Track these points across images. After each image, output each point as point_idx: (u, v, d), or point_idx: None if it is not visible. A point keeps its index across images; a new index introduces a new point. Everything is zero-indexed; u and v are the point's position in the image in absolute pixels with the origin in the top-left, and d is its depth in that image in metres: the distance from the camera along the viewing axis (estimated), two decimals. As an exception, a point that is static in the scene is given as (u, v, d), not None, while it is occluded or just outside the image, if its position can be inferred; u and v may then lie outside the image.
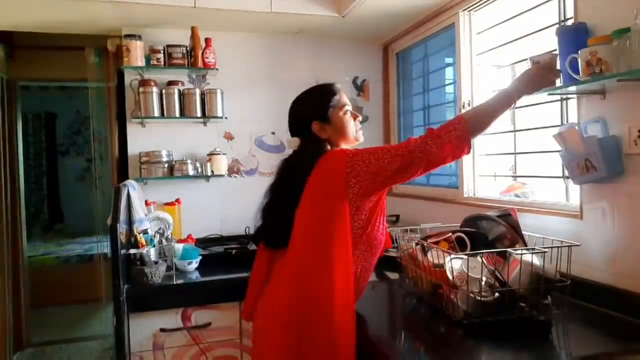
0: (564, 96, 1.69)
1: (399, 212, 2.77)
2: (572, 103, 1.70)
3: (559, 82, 1.50)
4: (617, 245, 1.48)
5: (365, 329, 1.48)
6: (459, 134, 1.34)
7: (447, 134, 1.34)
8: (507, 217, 1.64)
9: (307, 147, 1.52)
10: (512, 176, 2.15)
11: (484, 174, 2.28)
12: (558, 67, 1.47)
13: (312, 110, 1.54)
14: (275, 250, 1.55)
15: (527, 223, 1.77)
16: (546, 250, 1.42)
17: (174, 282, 2.16)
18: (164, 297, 2.10)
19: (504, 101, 1.39)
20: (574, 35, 1.51)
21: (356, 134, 1.58)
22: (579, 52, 1.39)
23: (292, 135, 1.60)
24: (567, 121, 1.74)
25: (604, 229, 1.52)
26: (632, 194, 1.43)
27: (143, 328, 2.05)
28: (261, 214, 1.57)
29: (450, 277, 1.43)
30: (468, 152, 1.38)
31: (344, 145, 1.54)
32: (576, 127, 1.55)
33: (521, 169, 2.12)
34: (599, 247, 1.54)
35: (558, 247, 1.46)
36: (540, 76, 1.42)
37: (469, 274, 1.41)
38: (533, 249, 1.46)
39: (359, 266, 1.45)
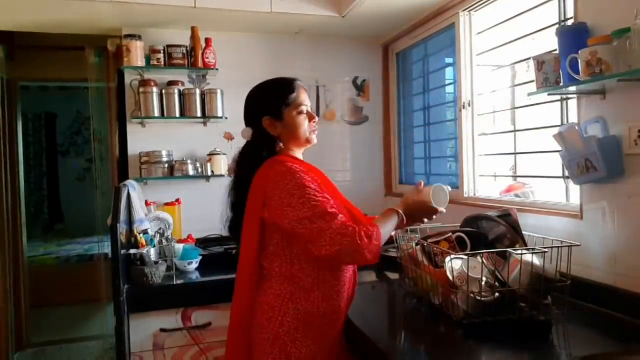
0: (564, 96, 1.69)
1: (399, 212, 2.77)
2: (572, 103, 1.69)
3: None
4: (617, 245, 1.48)
5: (365, 328, 1.48)
6: (373, 252, 1.33)
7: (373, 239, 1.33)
8: (507, 217, 1.64)
9: (256, 143, 1.49)
10: (512, 176, 2.15)
11: (484, 174, 2.28)
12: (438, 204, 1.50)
13: (265, 104, 1.50)
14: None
15: (527, 223, 1.77)
16: (546, 250, 1.41)
17: (174, 282, 2.16)
18: (164, 297, 2.10)
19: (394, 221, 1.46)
20: (574, 35, 1.50)
21: (308, 136, 1.52)
22: (579, 52, 1.39)
23: (245, 124, 1.55)
24: (567, 121, 1.74)
25: (604, 229, 1.52)
26: (632, 194, 1.43)
27: (143, 328, 2.04)
28: (229, 209, 1.56)
29: (450, 277, 1.43)
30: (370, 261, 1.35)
31: (293, 146, 1.51)
32: (576, 127, 1.55)
33: (521, 169, 2.12)
34: (599, 247, 1.54)
35: (558, 247, 1.46)
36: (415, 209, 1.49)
37: (469, 274, 1.41)
38: (533, 249, 1.46)
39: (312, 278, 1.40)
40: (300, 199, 1.32)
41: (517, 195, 2.04)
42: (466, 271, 1.41)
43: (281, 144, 1.49)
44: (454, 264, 1.45)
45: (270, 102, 1.49)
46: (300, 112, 1.50)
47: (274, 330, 1.37)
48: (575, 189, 1.68)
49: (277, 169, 1.39)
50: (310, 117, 1.52)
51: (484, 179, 2.28)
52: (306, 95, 1.55)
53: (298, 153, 1.55)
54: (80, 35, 2.79)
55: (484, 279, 1.39)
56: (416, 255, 1.65)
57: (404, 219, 1.47)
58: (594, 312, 1.49)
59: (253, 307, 1.43)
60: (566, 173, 1.65)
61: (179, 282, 2.17)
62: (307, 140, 1.52)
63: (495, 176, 2.25)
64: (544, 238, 1.56)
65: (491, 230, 1.68)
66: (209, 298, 2.12)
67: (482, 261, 1.43)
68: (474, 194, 2.28)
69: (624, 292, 1.43)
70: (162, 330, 2.06)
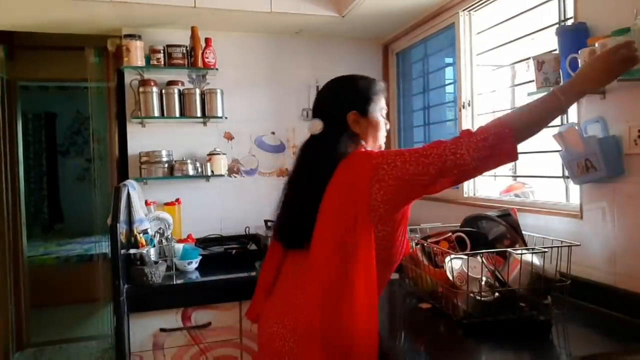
0: (564, 96, 1.69)
1: (399, 212, 2.77)
2: (572, 103, 1.69)
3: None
4: (617, 245, 1.48)
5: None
6: (496, 141, 1.14)
7: (484, 137, 1.15)
8: (507, 217, 1.64)
9: (338, 137, 1.31)
10: (512, 176, 2.15)
11: (484, 174, 2.27)
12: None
13: (354, 97, 1.37)
14: (289, 249, 1.40)
15: (528, 223, 1.77)
16: (546, 250, 1.42)
17: (174, 282, 2.16)
18: (164, 297, 2.10)
19: (551, 104, 1.18)
20: (574, 35, 1.51)
21: (382, 142, 1.42)
22: (579, 52, 1.39)
23: (318, 116, 1.37)
24: (567, 121, 1.74)
25: (604, 229, 1.52)
26: (632, 194, 1.43)
27: (143, 328, 2.05)
28: (281, 205, 1.40)
29: (450, 277, 1.43)
30: (513, 158, 1.19)
31: (369, 147, 1.37)
32: (576, 127, 1.55)
33: (521, 169, 2.12)
34: (599, 247, 1.54)
35: (558, 247, 1.46)
36: (603, 64, 1.19)
37: (469, 274, 1.41)
38: (533, 249, 1.47)
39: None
40: (410, 152, 1.20)
41: (517, 195, 2.04)
42: (466, 271, 1.41)
43: (363, 143, 1.35)
44: (454, 264, 1.45)
45: (361, 97, 1.37)
46: (383, 115, 1.41)
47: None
48: (575, 189, 1.68)
49: (367, 154, 1.26)
50: (386, 122, 1.43)
51: (484, 179, 2.28)
52: (385, 100, 1.44)
53: None
54: (80, 35, 2.79)
55: (484, 279, 1.40)
56: (416, 256, 1.65)
57: (566, 91, 1.19)
58: (594, 312, 1.49)
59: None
60: (566, 173, 1.65)
61: (179, 282, 2.17)
62: (381, 146, 1.41)
63: (495, 176, 2.25)
64: (544, 238, 1.56)
65: (491, 230, 1.68)
66: (209, 298, 2.12)
67: (482, 261, 1.43)
68: (474, 194, 2.28)
69: (624, 292, 1.43)
70: (162, 330, 2.06)
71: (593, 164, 1.45)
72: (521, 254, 1.40)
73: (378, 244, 1.22)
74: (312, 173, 1.32)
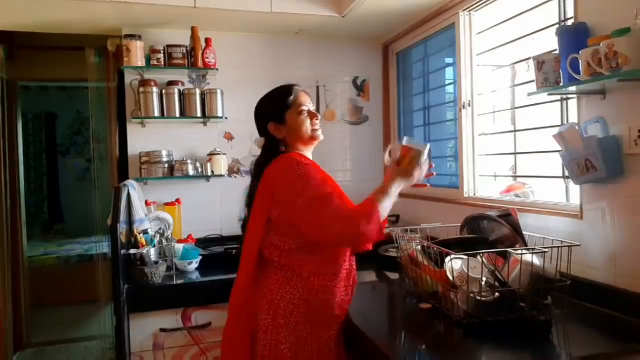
0: (564, 96, 1.69)
1: (399, 212, 2.77)
2: (572, 103, 1.70)
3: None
4: (617, 245, 1.48)
5: (365, 328, 1.48)
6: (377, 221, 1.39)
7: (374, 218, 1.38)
8: (508, 217, 1.64)
9: (266, 148, 1.59)
10: (512, 176, 2.15)
11: (484, 174, 2.28)
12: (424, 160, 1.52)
13: (268, 110, 1.59)
14: None
15: (528, 223, 1.77)
16: (546, 250, 1.42)
17: (174, 282, 2.16)
18: (164, 297, 2.10)
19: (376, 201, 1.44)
20: (574, 35, 1.50)
21: (312, 134, 1.58)
22: (580, 52, 1.39)
23: (259, 135, 1.65)
24: (567, 121, 1.74)
25: (604, 229, 1.52)
26: (632, 194, 1.43)
27: (143, 328, 2.05)
28: (246, 208, 1.65)
29: (450, 277, 1.43)
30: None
31: (300, 145, 1.58)
32: (576, 127, 1.55)
33: (521, 169, 2.12)
34: (599, 247, 1.54)
35: (558, 247, 1.46)
36: (396, 172, 1.48)
37: (469, 274, 1.41)
38: (533, 248, 1.46)
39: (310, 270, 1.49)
40: (306, 184, 1.41)
41: (517, 195, 2.04)
42: (466, 271, 1.41)
43: (283, 147, 1.58)
44: (454, 264, 1.45)
45: (273, 108, 1.58)
46: (300, 112, 1.56)
47: (271, 316, 1.45)
48: (575, 189, 1.68)
49: (283, 161, 1.48)
50: (312, 116, 1.59)
51: (484, 179, 2.28)
52: (307, 97, 1.61)
53: (307, 152, 1.62)
54: (80, 35, 2.79)
55: (483, 279, 1.39)
56: (416, 256, 1.65)
57: (397, 184, 1.49)
58: (594, 312, 1.49)
59: (254, 295, 1.50)
60: (566, 173, 1.65)
61: (179, 282, 2.17)
62: (312, 137, 1.58)
63: (495, 176, 2.25)
64: (544, 238, 1.56)
65: (492, 229, 1.68)
66: (209, 298, 2.12)
67: (482, 261, 1.43)
68: (474, 194, 2.28)
69: (624, 292, 1.43)
70: (162, 330, 2.06)
71: (593, 164, 1.45)
72: (521, 254, 1.40)
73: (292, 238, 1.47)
74: (253, 179, 1.60)
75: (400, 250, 1.80)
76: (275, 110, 1.57)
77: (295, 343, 1.44)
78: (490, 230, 1.70)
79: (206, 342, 2.12)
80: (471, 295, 1.37)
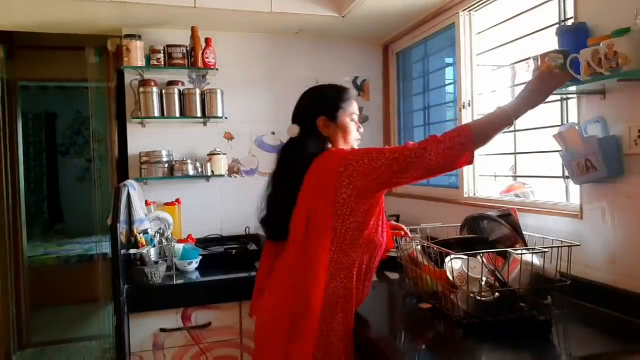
0: (564, 96, 1.69)
1: (399, 212, 2.77)
2: (572, 103, 1.70)
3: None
4: (617, 245, 1.48)
5: (365, 328, 1.48)
6: (462, 141, 1.32)
7: (450, 139, 1.33)
8: (508, 217, 1.64)
9: (309, 140, 1.50)
10: (512, 176, 2.15)
11: (484, 174, 2.28)
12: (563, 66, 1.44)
13: (323, 104, 1.55)
14: (278, 243, 1.59)
15: (528, 223, 1.77)
16: (546, 250, 1.42)
17: (174, 282, 2.16)
18: (164, 297, 2.10)
19: (503, 119, 1.37)
20: (574, 35, 1.50)
21: (353, 143, 1.59)
22: (580, 52, 1.39)
23: (295, 122, 1.57)
24: (567, 121, 1.74)
25: (604, 229, 1.52)
26: (632, 194, 1.43)
27: (143, 328, 2.05)
28: (265, 204, 1.59)
29: (450, 277, 1.43)
30: (470, 162, 1.37)
31: (341, 147, 1.54)
32: (576, 127, 1.55)
33: (521, 169, 2.12)
34: (599, 247, 1.54)
35: (558, 247, 1.46)
36: (541, 84, 1.36)
37: (469, 274, 1.41)
38: (533, 248, 1.46)
39: (357, 267, 1.44)
40: (377, 151, 1.36)
41: (517, 195, 2.04)
42: (466, 271, 1.41)
43: (330, 145, 1.53)
44: (454, 264, 1.45)
45: (329, 103, 1.55)
46: (352, 119, 1.57)
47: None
48: (575, 189, 1.68)
49: (338, 151, 1.44)
50: (358, 126, 1.60)
51: (484, 179, 2.28)
52: (357, 106, 1.61)
53: None
54: (80, 35, 2.79)
55: (483, 279, 1.39)
56: (415, 256, 1.65)
57: (514, 108, 1.39)
58: (594, 312, 1.49)
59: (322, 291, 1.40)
60: (566, 173, 1.65)
61: (179, 282, 2.17)
62: (352, 148, 1.56)
63: (495, 176, 2.25)
64: (544, 238, 1.56)
65: (492, 230, 1.68)
66: (209, 298, 2.12)
67: (482, 261, 1.43)
68: (474, 194, 2.28)
69: (624, 292, 1.43)
70: (162, 330, 2.06)
71: (593, 164, 1.45)
72: (521, 254, 1.40)
73: (351, 234, 1.39)
74: (289, 171, 1.51)
75: (400, 250, 1.80)
76: (332, 105, 1.53)
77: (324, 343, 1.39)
78: (491, 230, 1.70)
79: (206, 342, 2.12)
80: (471, 295, 1.37)
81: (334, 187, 1.36)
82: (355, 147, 1.58)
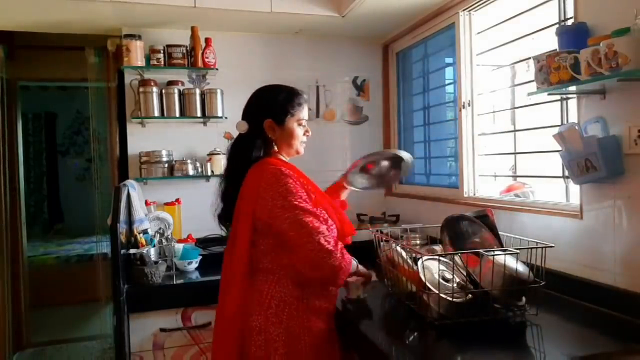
0: (564, 96, 1.69)
1: (399, 212, 2.77)
2: (572, 103, 1.69)
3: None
4: (617, 245, 1.48)
5: (344, 329, 1.50)
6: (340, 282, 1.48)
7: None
8: (485, 219, 1.61)
9: (254, 140, 1.56)
10: (512, 176, 2.15)
11: (484, 174, 2.28)
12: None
13: (272, 107, 1.58)
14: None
15: (527, 223, 1.78)
16: (517, 251, 1.42)
17: (174, 282, 2.16)
18: (164, 297, 2.10)
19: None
20: (574, 35, 1.50)
21: (299, 147, 1.63)
22: (580, 52, 1.39)
23: (243, 118, 1.61)
24: (567, 121, 1.74)
25: (604, 229, 1.52)
26: (632, 194, 1.43)
27: (143, 328, 2.05)
28: (219, 200, 1.66)
29: (423, 279, 1.43)
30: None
31: (284, 153, 1.61)
32: (576, 127, 1.55)
33: (521, 169, 2.12)
34: (599, 247, 1.53)
35: (532, 247, 1.45)
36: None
37: (443, 275, 1.42)
38: (505, 250, 1.45)
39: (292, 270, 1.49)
40: (289, 203, 1.42)
41: (517, 195, 2.04)
42: (437, 273, 1.42)
43: (275, 147, 1.59)
44: (430, 264, 1.46)
45: (278, 107, 1.57)
46: (300, 124, 1.61)
47: (262, 317, 1.45)
48: (575, 189, 1.68)
49: (270, 170, 1.48)
50: (306, 132, 1.64)
51: (484, 179, 2.28)
52: (307, 111, 1.66)
53: (286, 159, 1.64)
54: (80, 35, 2.79)
55: (456, 280, 1.40)
56: (392, 256, 1.65)
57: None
58: (593, 312, 1.49)
59: (245, 297, 1.49)
60: (566, 173, 1.65)
61: (179, 282, 2.17)
62: (297, 151, 1.64)
63: (495, 176, 2.25)
64: (520, 239, 1.55)
65: (474, 232, 1.64)
66: (209, 298, 2.10)
67: (454, 262, 1.43)
68: (474, 194, 2.28)
69: (624, 292, 1.43)
70: (162, 330, 2.06)
71: (593, 164, 1.45)
72: (493, 255, 1.40)
73: (273, 248, 1.49)
74: (236, 170, 1.57)
75: (379, 250, 1.79)
76: (280, 110, 1.57)
77: (288, 339, 1.45)
78: (472, 232, 1.66)
79: (206, 342, 2.12)
80: (442, 296, 1.37)
81: (252, 209, 1.47)
82: (301, 150, 1.64)
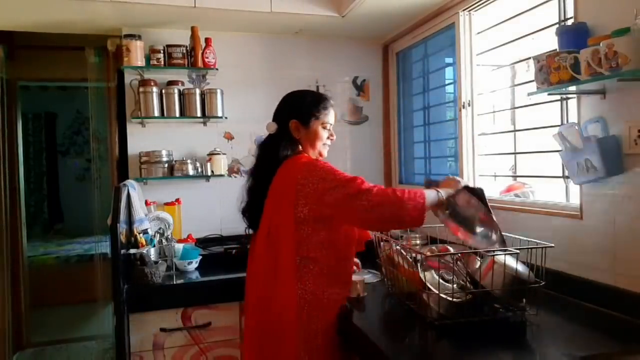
0: (564, 96, 1.69)
1: (399, 212, 2.77)
2: (572, 103, 1.70)
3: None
4: (617, 245, 1.48)
5: (345, 329, 1.49)
6: (417, 207, 1.42)
7: (409, 200, 1.41)
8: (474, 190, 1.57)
9: (281, 140, 1.62)
10: (512, 176, 2.15)
11: (484, 174, 2.28)
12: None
13: (298, 109, 1.66)
14: (253, 231, 1.72)
15: (527, 223, 1.77)
16: (518, 251, 1.42)
17: (174, 282, 2.16)
18: (164, 297, 2.10)
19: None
20: (574, 35, 1.50)
21: (321, 149, 1.70)
22: (580, 52, 1.39)
23: (274, 119, 1.71)
24: (567, 121, 1.74)
25: (604, 229, 1.52)
26: (632, 194, 1.43)
27: (143, 328, 2.05)
28: (245, 195, 1.71)
29: (423, 278, 1.43)
30: (417, 225, 1.47)
31: (308, 152, 1.66)
32: (576, 127, 1.55)
33: (521, 169, 2.12)
34: (599, 247, 1.54)
35: (534, 247, 1.45)
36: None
37: (444, 275, 1.42)
38: (506, 250, 1.45)
39: (322, 269, 1.53)
40: (334, 178, 1.47)
41: (517, 195, 2.04)
42: (437, 274, 1.42)
43: (300, 147, 1.65)
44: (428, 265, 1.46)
45: (304, 109, 1.66)
46: (325, 128, 1.68)
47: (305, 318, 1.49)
48: (575, 189, 1.68)
49: (303, 162, 1.55)
50: (331, 135, 1.71)
51: (484, 179, 2.28)
52: (334, 117, 1.73)
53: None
54: (80, 35, 2.79)
55: (456, 279, 1.40)
56: (392, 256, 1.65)
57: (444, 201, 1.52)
58: (593, 312, 1.49)
59: (295, 297, 1.50)
60: (566, 173, 1.65)
61: (179, 282, 2.17)
62: (320, 153, 1.70)
63: (495, 176, 2.25)
64: (520, 239, 1.55)
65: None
66: (209, 298, 2.12)
67: (454, 262, 1.43)
68: (474, 194, 2.27)
69: (624, 292, 1.43)
70: (162, 330, 2.06)
71: (593, 164, 1.45)
72: (493, 255, 1.40)
73: (315, 246, 1.50)
74: (264, 168, 1.64)
75: (379, 250, 1.79)
76: (306, 112, 1.64)
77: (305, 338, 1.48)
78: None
79: (206, 342, 2.12)
80: (442, 296, 1.37)
81: (293, 204, 1.49)
82: (324, 152, 1.70)
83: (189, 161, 2.62)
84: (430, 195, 1.48)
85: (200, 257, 2.32)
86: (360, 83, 3.06)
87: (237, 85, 2.80)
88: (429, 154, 2.79)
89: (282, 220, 1.52)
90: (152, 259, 2.15)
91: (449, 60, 2.60)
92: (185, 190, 2.71)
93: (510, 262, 1.40)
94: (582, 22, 1.53)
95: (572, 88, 1.50)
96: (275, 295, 1.52)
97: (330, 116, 1.69)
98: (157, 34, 2.66)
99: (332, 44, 2.98)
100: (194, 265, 2.29)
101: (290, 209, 1.49)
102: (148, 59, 2.56)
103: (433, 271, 1.45)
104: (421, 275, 1.43)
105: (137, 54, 2.51)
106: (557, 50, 1.50)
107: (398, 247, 1.62)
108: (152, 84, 2.59)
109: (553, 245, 1.46)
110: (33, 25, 2.62)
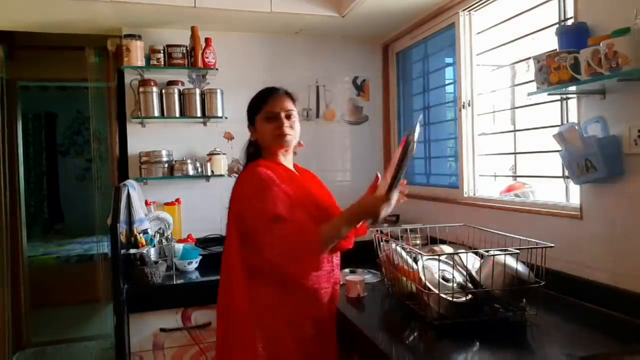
0: (564, 96, 1.69)
1: (399, 212, 2.77)
2: (572, 103, 1.70)
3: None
4: (617, 245, 1.48)
5: (344, 329, 1.49)
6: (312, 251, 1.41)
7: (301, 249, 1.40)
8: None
9: (248, 145, 1.65)
10: (512, 176, 2.15)
11: (484, 174, 2.28)
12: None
13: (248, 113, 1.64)
14: None
15: (527, 223, 1.77)
16: (517, 251, 1.42)
17: (174, 282, 2.16)
18: (164, 297, 2.10)
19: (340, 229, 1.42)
20: (574, 35, 1.51)
21: (274, 143, 1.55)
22: (580, 52, 1.39)
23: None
24: (567, 121, 1.74)
25: (604, 229, 1.52)
26: (632, 194, 1.43)
27: (143, 328, 2.05)
28: None
29: (423, 278, 1.43)
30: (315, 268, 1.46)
31: (272, 151, 1.57)
32: (576, 127, 1.55)
33: (521, 169, 2.12)
34: (599, 247, 1.54)
35: (534, 247, 1.45)
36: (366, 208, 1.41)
37: (443, 274, 1.42)
38: (506, 250, 1.45)
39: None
40: (259, 201, 1.43)
41: (517, 195, 2.04)
42: (437, 273, 1.42)
43: (262, 150, 1.61)
44: (430, 264, 1.46)
45: (248, 110, 1.63)
46: (267, 119, 1.54)
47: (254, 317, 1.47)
48: (575, 189, 1.68)
49: (246, 173, 1.54)
50: (277, 118, 1.53)
51: (484, 179, 2.28)
52: (285, 101, 1.56)
53: (282, 157, 1.59)
54: (80, 35, 2.78)
55: (457, 279, 1.40)
56: (392, 256, 1.65)
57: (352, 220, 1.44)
58: (593, 312, 1.49)
59: (243, 297, 1.49)
60: (566, 173, 1.65)
61: (179, 282, 2.17)
62: (275, 144, 1.55)
63: (495, 176, 2.25)
64: (520, 239, 1.55)
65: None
66: (209, 298, 2.10)
67: (455, 262, 1.43)
68: (474, 194, 2.28)
69: (624, 292, 1.43)
70: (162, 330, 2.06)
71: (593, 164, 1.45)
72: (494, 255, 1.40)
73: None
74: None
75: (380, 251, 1.79)
76: (249, 112, 1.62)
77: (270, 343, 1.46)
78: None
79: (206, 342, 2.12)
80: (442, 296, 1.37)
81: (234, 214, 1.52)
82: (282, 144, 1.54)
83: (189, 161, 2.62)
84: (339, 234, 1.43)
85: (200, 257, 2.32)
86: (360, 83, 3.06)
87: (237, 85, 2.80)
88: (429, 154, 2.79)
89: (230, 230, 1.54)
90: (152, 259, 2.15)
91: (449, 60, 2.60)
92: (185, 190, 2.71)
93: (510, 262, 1.40)
94: (582, 22, 1.53)
95: (572, 88, 1.50)
96: (231, 303, 1.51)
97: (271, 104, 1.54)
98: (157, 34, 2.66)
99: (332, 44, 2.98)
100: (194, 265, 2.29)
101: (232, 219, 1.52)
102: (148, 59, 2.56)
103: (433, 271, 1.45)
104: (421, 275, 1.43)
105: (137, 54, 2.51)
106: (557, 50, 1.51)
107: (398, 248, 1.62)
108: (152, 84, 2.59)
109: (553, 245, 1.46)
110: (33, 25, 2.62)
